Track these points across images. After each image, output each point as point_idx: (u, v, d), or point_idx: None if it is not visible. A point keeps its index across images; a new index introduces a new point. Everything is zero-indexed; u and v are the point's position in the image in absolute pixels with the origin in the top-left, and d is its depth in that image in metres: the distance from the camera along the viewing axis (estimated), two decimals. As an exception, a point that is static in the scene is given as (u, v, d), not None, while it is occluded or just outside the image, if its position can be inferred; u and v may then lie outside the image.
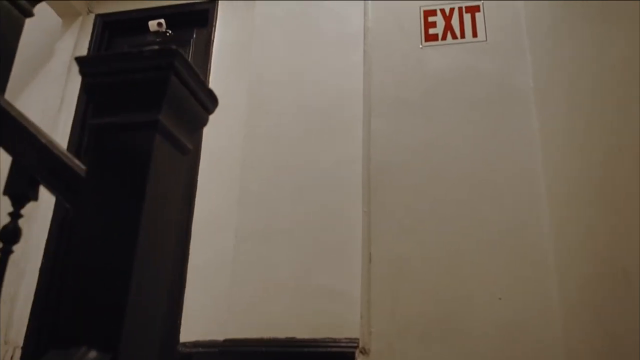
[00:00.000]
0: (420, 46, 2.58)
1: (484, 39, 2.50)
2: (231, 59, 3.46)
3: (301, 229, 2.54)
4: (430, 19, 2.60)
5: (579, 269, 1.91)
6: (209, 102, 1.37)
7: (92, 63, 1.22)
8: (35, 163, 1.25)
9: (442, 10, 2.59)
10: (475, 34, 2.52)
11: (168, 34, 3.72)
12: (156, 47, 1.21)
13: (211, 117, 3.19)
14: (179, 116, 1.24)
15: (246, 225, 2.73)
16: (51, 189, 1.25)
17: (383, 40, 2.62)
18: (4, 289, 1.22)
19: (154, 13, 3.70)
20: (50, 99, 3.58)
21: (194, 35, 3.69)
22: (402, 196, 2.33)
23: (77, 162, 1.24)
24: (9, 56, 1.57)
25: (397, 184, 2.36)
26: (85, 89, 1.20)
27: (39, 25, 3.78)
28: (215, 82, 3.42)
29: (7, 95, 1.38)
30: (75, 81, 3.60)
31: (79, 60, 1.22)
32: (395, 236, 2.27)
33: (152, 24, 3.64)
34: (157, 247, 1.18)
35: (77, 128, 3.50)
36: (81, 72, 1.22)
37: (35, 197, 1.27)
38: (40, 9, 3.73)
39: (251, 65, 3.05)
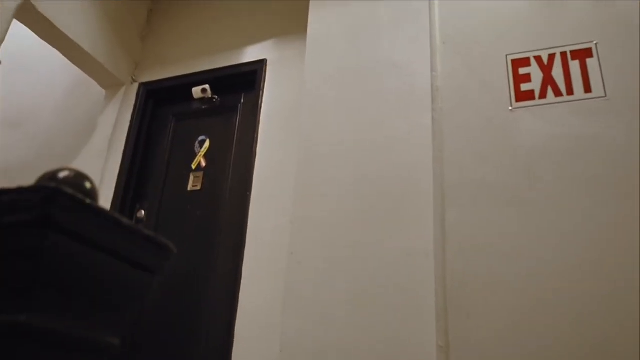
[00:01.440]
0: (510, 108, 1.92)
1: (603, 95, 1.80)
2: (280, 126, 2.99)
3: (360, 353, 1.93)
4: (522, 70, 1.94)
5: None
6: (151, 257, 0.82)
7: None
8: None
9: (538, 59, 1.93)
10: (588, 88, 1.82)
11: (214, 100, 3.34)
12: (33, 188, 0.69)
13: (258, 196, 2.66)
14: (76, 302, 0.71)
15: (292, 338, 2.18)
16: None
17: (457, 102, 1.98)
18: None
19: (200, 78, 3.36)
20: (91, 175, 3.27)
21: (242, 100, 3.29)
22: (492, 324, 1.65)
23: None
24: None
25: (484, 305, 1.68)
26: None
27: (82, 99, 3.56)
28: (262, 154, 2.96)
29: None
30: (116, 159, 3.29)
31: None
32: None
33: (196, 91, 3.28)
34: None
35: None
36: None
37: None
38: (82, 81, 3.51)
39: (300, 133, 2.55)
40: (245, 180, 2.92)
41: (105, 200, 3.19)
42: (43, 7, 2.86)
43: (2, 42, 2.63)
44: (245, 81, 3.26)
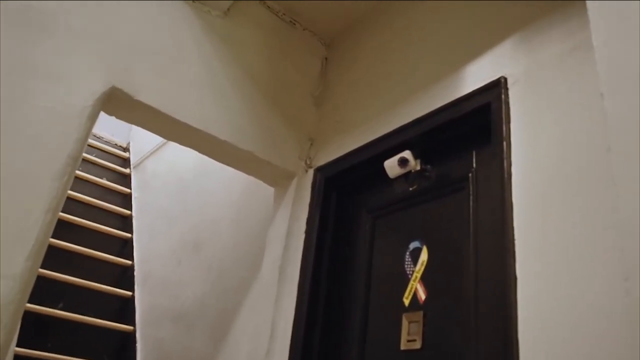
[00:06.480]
0: None
1: None
2: (558, 210, 1.34)
3: None
4: None
5: None
6: None
7: None
8: None
9: None
10: None
11: (426, 173, 1.88)
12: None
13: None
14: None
15: None
16: None
17: None
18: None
19: (396, 141, 1.95)
20: (260, 325, 2.12)
21: (474, 164, 1.74)
22: None
23: None
24: None
25: None
26: None
27: (254, 205, 2.52)
28: (526, 272, 1.33)
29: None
30: (290, 295, 2.06)
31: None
32: None
33: (391, 166, 1.88)
34: None
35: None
36: None
37: None
38: (254, 181, 2.36)
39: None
40: (504, 338, 1.33)
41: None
42: (144, 94, 1.91)
43: (81, 149, 1.72)
44: (474, 127, 1.72)
